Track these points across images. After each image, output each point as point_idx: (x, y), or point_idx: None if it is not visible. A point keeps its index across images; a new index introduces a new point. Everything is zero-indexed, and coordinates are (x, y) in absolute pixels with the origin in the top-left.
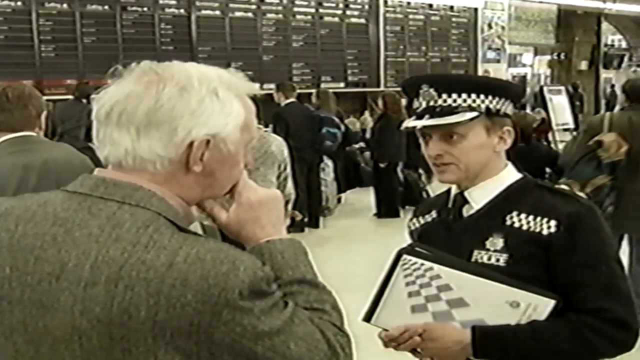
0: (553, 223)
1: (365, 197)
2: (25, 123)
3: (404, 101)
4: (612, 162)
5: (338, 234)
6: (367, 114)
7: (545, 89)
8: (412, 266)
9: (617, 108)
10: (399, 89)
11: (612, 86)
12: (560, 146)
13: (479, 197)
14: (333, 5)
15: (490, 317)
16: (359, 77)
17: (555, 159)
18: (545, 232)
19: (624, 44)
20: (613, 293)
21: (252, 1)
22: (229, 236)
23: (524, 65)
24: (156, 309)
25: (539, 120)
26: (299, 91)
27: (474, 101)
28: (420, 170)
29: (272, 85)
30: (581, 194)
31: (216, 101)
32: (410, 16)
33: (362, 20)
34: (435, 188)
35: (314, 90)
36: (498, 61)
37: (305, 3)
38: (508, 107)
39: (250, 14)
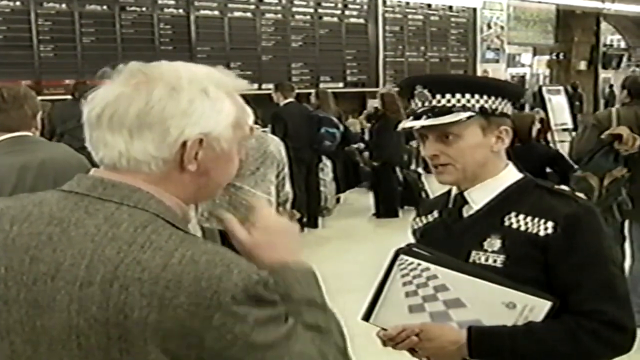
0: (550, 224)
1: (364, 197)
2: (21, 123)
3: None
4: (629, 154)
5: (337, 234)
6: (361, 117)
7: (544, 89)
8: (409, 266)
9: (616, 105)
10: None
11: (611, 86)
12: (559, 146)
13: (479, 197)
14: (332, 5)
15: (487, 318)
16: (357, 77)
17: (554, 158)
18: (542, 233)
19: (623, 44)
20: (609, 295)
21: (251, 1)
22: (243, 255)
23: (523, 66)
24: (149, 310)
25: (538, 120)
26: (297, 91)
27: (468, 101)
28: (420, 170)
29: (271, 85)
30: (590, 189)
31: (207, 100)
32: (409, 16)
33: (361, 21)
34: (434, 189)
35: (312, 90)
36: (497, 61)
37: (304, 3)
38: (505, 107)
39: (249, 14)
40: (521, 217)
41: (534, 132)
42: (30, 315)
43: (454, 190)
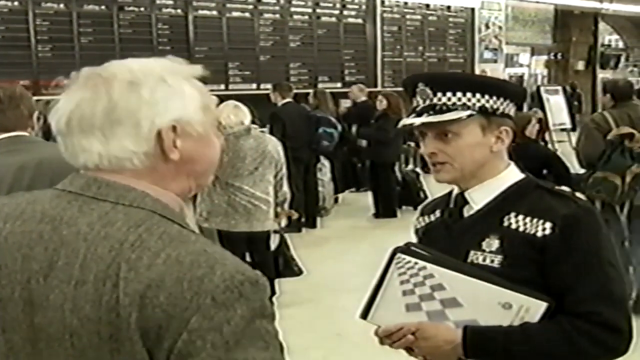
0: (548, 225)
1: (363, 197)
2: (17, 123)
3: None
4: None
5: (335, 234)
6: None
7: (542, 89)
8: (406, 265)
9: (599, 110)
10: (397, 89)
11: None
12: (558, 146)
13: (479, 197)
14: (330, 5)
15: (483, 318)
16: (356, 77)
17: (550, 159)
18: (539, 234)
19: (620, 44)
20: (605, 297)
21: (249, 1)
22: None
23: (521, 66)
24: (130, 310)
25: (536, 120)
26: (296, 91)
27: (469, 100)
28: (418, 170)
29: (269, 85)
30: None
31: (167, 87)
32: (408, 16)
33: (359, 21)
34: (433, 189)
35: (311, 90)
36: (495, 61)
37: (303, 3)
38: (507, 107)
39: (247, 14)
40: (520, 217)
41: (534, 133)
42: (27, 312)
43: (455, 190)
